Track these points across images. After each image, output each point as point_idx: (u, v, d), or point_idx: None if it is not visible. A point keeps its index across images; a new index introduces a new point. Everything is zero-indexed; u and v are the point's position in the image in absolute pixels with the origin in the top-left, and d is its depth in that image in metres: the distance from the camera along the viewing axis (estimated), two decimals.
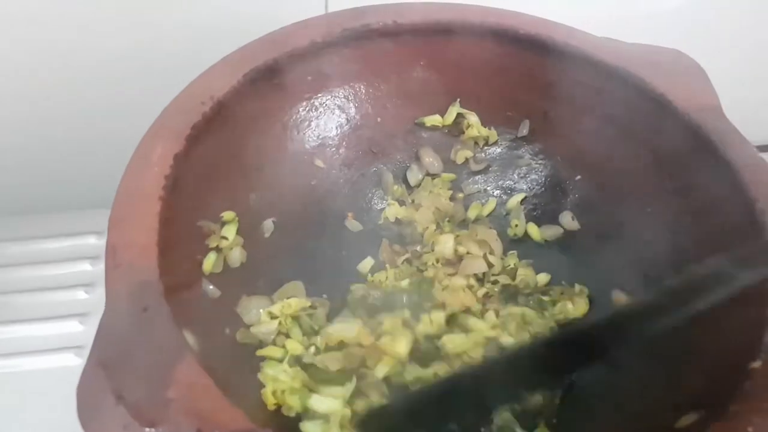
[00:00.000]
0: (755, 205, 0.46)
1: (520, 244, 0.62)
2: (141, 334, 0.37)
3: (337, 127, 0.61)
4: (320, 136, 0.60)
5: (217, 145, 0.50)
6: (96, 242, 0.70)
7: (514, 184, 0.64)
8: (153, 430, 0.34)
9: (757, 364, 0.38)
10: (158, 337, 0.37)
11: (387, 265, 0.59)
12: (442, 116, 0.63)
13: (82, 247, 0.70)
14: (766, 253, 0.42)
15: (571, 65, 0.56)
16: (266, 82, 0.53)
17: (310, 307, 0.54)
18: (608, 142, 0.57)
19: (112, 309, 0.39)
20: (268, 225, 0.56)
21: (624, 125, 0.56)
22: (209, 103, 0.49)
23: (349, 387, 0.48)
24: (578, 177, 0.60)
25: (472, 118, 0.63)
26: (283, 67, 0.54)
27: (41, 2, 0.64)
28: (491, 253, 0.60)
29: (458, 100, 0.63)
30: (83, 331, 0.63)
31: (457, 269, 0.59)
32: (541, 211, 0.63)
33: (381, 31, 0.57)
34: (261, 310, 0.52)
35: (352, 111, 0.61)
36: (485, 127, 0.63)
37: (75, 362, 0.60)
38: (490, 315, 0.56)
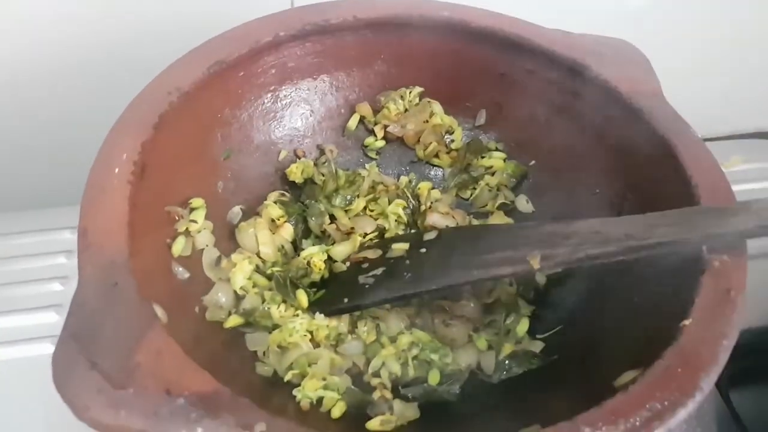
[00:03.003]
0: (691, 182, 0.49)
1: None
2: (111, 307, 0.39)
3: (302, 119, 0.64)
4: (286, 127, 0.63)
5: (183, 134, 0.52)
6: (70, 237, 0.71)
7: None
8: (124, 392, 0.36)
9: (688, 322, 0.41)
10: (128, 308, 0.39)
11: None
12: None
13: (57, 241, 0.71)
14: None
15: (522, 55, 0.59)
16: (231, 74, 0.55)
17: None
18: (558, 128, 0.61)
19: (84, 286, 0.41)
20: (236, 211, 0.58)
21: (573, 112, 0.59)
22: (176, 94, 0.51)
23: None
24: (532, 162, 0.64)
25: (436, 107, 0.66)
26: (247, 59, 0.56)
27: (16, 6, 0.66)
28: None
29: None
30: (59, 321, 0.64)
31: None
32: None
33: (341, 26, 0.60)
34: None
35: (317, 103, 0.64)
36: (447, 115, 0.66)
37: (51, 351, 0.62)
38: None
